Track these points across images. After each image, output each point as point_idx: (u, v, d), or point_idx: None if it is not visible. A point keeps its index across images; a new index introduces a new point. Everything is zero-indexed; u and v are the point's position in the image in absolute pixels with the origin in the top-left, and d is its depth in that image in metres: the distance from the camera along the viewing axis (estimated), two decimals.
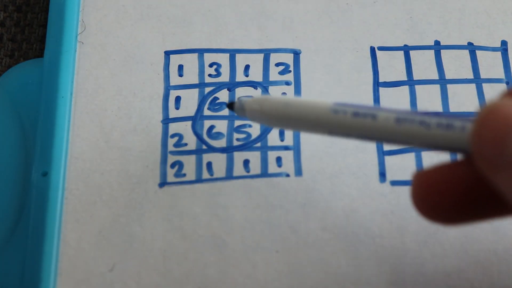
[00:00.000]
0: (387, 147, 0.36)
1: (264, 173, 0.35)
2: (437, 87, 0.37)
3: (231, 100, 0.34)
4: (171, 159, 0.36)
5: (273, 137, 0.36)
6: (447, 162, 0.27)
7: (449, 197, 0.26)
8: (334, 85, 0.37)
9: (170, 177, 0.35)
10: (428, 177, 0.27)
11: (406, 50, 0.38)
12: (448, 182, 0.26)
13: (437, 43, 0.38)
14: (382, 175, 0.35)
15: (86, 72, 0.37)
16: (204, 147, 0.36)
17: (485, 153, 0.25)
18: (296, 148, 0.36)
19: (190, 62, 0.38)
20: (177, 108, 0.37)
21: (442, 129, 0.25)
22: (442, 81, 0.37)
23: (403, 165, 0.35)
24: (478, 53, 0.38)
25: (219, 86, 0.37)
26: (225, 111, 0.37)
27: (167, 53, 0.38)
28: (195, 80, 0.38)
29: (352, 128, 0.26)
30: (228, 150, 0.36)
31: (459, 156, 0.27)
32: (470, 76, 0.38)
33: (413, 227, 0.34)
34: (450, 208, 0.27)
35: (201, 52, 0.38)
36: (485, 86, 0.37)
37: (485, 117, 0.25)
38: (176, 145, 0.36)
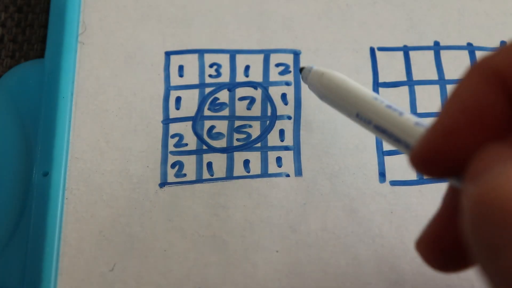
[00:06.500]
0: (387, 147, 0.36)
1: (264, 173, 0.35)
2: (436, 88, 0.37)
3: (303, 66, 0.35)
4: (171, 159, 0.36)
5: (273, 137, 0.36)
6: (436, 217, 0.27)
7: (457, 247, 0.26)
8: None
9: (171, 177, 0.35)
10: (430, 240, 0.27)
11: (406, 50, 0.38)
12: (448, 236, 0.26)
13: (436, 43, 0.38)
14: (382, 175, 0.35)
15: (86, 72, 0.37)
16: (204, 147, 0.36)
17: (479, 241, 0.21)
18: (296, 148, 0.36)
19: (191, 62, 0.38)
20: (177, 108, 0.37)
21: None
22: (442, 82, 0.37)
23: (403, 165, 0.35)
24: (478, 53, 0.38)
25: (219, 87, 0.37)
26: (225, 111, 0.37)
27: (168, 54, 0.38)
28: (196, 81, 0.38)
29: (380, 116, 0.29)
30: (228, 150, 0.36)
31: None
32: None
33: (413, 227, 0.34)
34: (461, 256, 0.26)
35: (201, 52, 0.38)
36: None
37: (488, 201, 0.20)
38: (176, 145, 0.36)
